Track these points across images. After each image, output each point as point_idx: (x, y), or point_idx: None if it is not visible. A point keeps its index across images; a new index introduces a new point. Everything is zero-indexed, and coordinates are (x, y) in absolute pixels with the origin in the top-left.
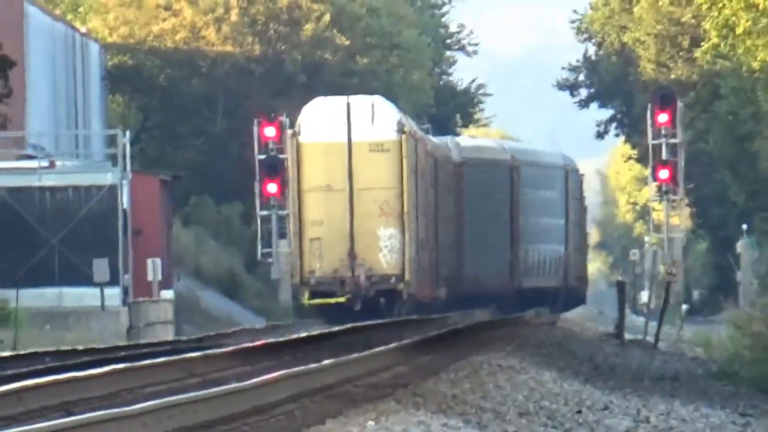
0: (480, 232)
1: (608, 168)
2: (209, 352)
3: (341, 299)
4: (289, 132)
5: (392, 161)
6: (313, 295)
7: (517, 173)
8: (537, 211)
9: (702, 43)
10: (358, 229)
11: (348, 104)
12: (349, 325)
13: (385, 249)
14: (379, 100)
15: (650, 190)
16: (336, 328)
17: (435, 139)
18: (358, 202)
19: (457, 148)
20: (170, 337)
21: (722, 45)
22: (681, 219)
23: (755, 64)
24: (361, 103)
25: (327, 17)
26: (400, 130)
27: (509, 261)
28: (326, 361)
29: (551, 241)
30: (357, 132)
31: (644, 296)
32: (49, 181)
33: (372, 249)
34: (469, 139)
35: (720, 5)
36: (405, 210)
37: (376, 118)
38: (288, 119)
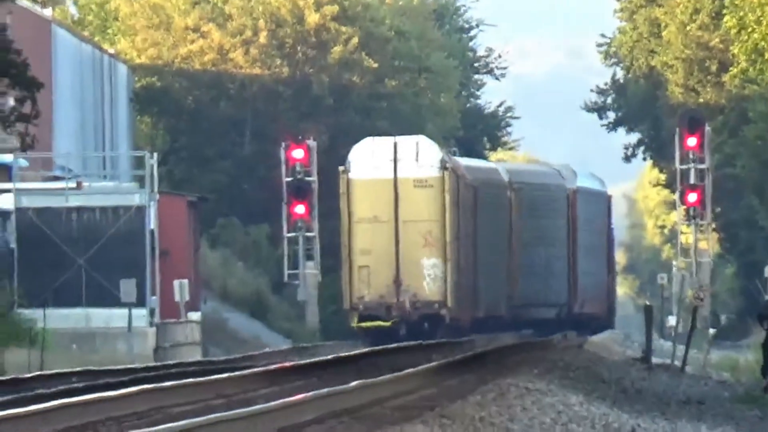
0: (587, 258)
1: (636, 192)
2: (236, 373)
3: (388, 323)
4: (340, 168)
5: (435, 196)
6: (361, 319)
7: (609, 205)
8: (611, 243)
9: (730, 68)
10: (403, 258)
11: (395, 144)
12: (376, 348)
13: (429, 277)
14: (423, 139)
15: (678, 214)
16: (363, 350)
17: (545, 167)
18: (404, 233)
19: (572, 176)
20: (197, 358)
21: (751, 69)
22: (709, 243)
23: None
24: (406, 142)
25: (355, 40)
26: (443, 167)
27: (606, 287)
28: (354, 383)
29: (611, 270)
30: (403, 169)
31: (672, 320)
32: (76, 201)
33: (416, 276)
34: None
35: (749, 30)
36: (447, 240)
37: (421, 156)
38: (316, 142)
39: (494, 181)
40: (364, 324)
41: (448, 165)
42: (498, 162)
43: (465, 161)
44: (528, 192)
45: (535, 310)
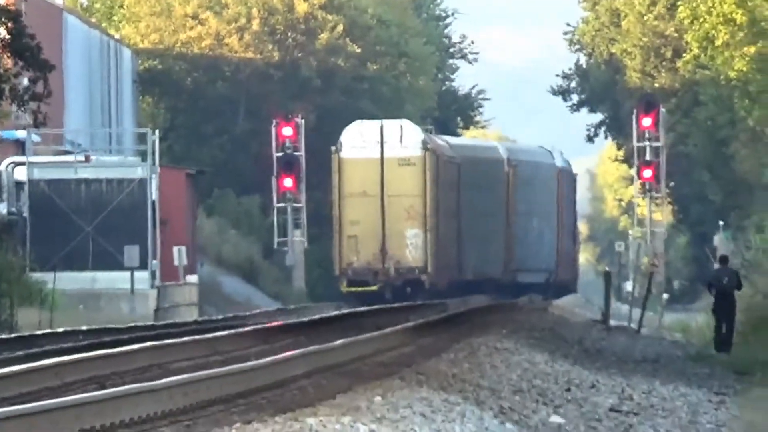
0: (566, 230)
1: (597, 167)
2: (231, 331)
3: (374, 288)
4: (332, 148)
5: (417, 173)
6: (350, 284)
7: (575, 183)
8: (575, 217)
9: (684, 54)
10: (388, 229)
11: (381, 126)
12: (359, 309)
13: (411, 245)
14: (407, 123)
15: (635, 188)
16: (346, 311)
17: (538, 148)
18: (389, 206)
19: (559, 157)
20: (194, 318)
21: (702, 56)
22: (663, 215)
23: (732, 74)
24: (392, 125)
25: (340, 27)
26: (424, 147)
27: (573, 258)
28: (338, 341)
29: (575, 241)
30: (388, 149)
31: (629, 285)
32: (84, 174)
33: (400, 245)
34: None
35: (701, 20)
36: (427, 213)
37: (404, 138)
38: (304, 120)
39: (489, 159)
40: (352, 288)
41: (429, 145)
42: (498, 141)
43: (454, 140)
44: (523, 168)
45: (528, 274)
